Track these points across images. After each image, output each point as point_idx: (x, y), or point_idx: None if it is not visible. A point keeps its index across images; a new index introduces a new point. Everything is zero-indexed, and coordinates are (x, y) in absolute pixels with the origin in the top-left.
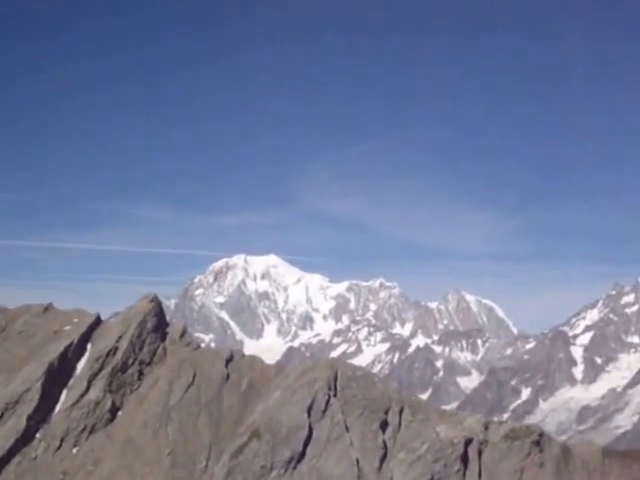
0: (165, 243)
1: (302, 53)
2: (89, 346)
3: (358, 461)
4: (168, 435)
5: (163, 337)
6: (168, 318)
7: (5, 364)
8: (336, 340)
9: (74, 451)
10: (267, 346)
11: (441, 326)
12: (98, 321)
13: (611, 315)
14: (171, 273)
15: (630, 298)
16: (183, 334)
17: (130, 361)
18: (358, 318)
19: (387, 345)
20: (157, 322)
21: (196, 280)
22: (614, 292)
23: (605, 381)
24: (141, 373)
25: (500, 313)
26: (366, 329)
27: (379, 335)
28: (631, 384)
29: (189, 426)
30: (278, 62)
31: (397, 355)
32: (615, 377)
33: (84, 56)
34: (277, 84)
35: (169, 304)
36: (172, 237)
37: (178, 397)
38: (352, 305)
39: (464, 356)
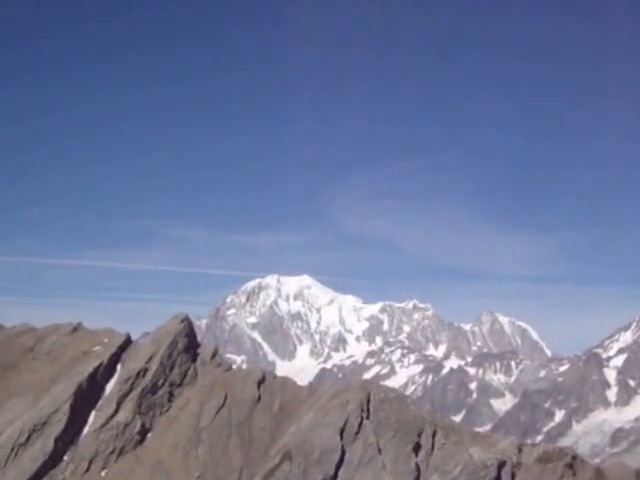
0: (197, 263)
1: (336, 70)
2: (119, 367)
3: None
4: (198, 457)
5: (194, 358)
6: (199, 339)
7: (33, 385)
8: (369, 362)
9: (102, 474)
10: (299, 367)
11: (475, 348)
12: (128, 341)
13: None
14: (203, 293)
15: None
16: (214, 355)
17: (160, 382)
18: (391, 339)
19: (420, 367)
20: (188, 343)
21: (228, 300)
22: None
23: (639, 404)
24: (171, 394)
25: (534, 335)
26: (399, 351)
27: (412, 357)
28: None
29: (220, 448)
30: (312, 79)
31: (430, 377)
32: None
33: (118, 68)
34: (313, 101)
35: (200, 324)
36: (204, 257)
37: (209, 419)
38: (385, 326)
39: (497, 378)
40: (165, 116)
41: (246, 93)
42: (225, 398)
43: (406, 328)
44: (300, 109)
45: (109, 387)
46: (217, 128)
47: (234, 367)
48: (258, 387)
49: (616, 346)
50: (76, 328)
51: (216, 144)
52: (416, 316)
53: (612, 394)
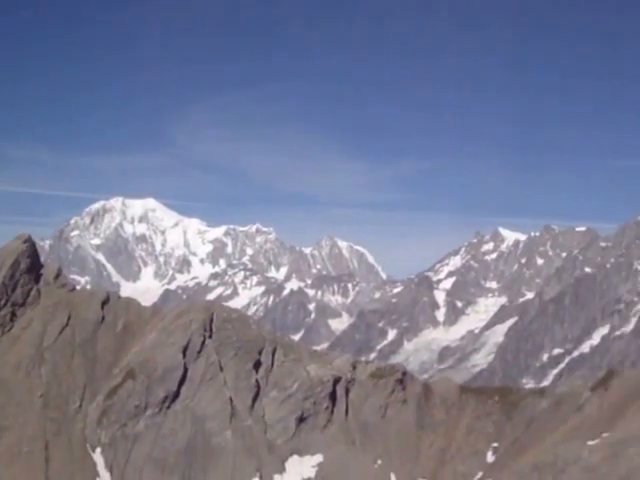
0: (40, 184)
1: None
2: None
3: (231, 399)
4: (41, 376)
5: (37, 278)
6: (42, 259)
7: None
8: (212, 283)
9: None
10: (144, 289)
11: (314, 270)
12: None
13: (472, 262)
14: (46, 214)
15: (489, 246)
16: (58, 275)
17: (2, 302)
18: (235, 262)
19: (262, 288)
20: (31, 263)
21: (72, 222)
22: (475, 240)
23: (464, 323)
24: (14, 314)
25: (370, 259)
26: (242, 273)
27: (255, 279)
28: (487, 326)
29: (63, 367)
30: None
31: (272, 298)
32: (473, 320)
33: None
34: (160, 24)
35: (43, 245)
36: (48, 178)
37: (52, 338)
38: (229, 249)
39: (335, 299)
40: (16, 32)
41: (91, 14)
42: (69, 318)
43: (249, 251)
44: (146, 31)
45: None
46: (64, 46)
47: (78, 288)
48: (102, 307)
49: (446, 270)
50: None
51: (63, 63)
52: (259, 239)
53: (441, 314)
